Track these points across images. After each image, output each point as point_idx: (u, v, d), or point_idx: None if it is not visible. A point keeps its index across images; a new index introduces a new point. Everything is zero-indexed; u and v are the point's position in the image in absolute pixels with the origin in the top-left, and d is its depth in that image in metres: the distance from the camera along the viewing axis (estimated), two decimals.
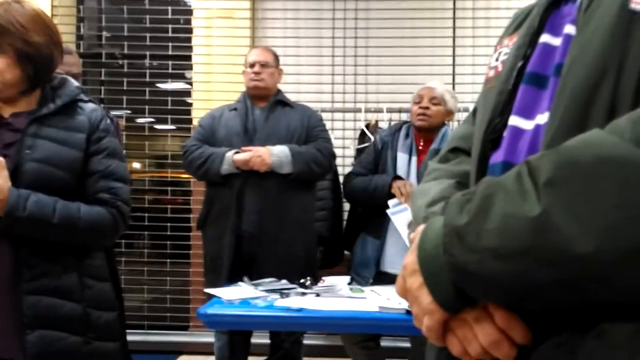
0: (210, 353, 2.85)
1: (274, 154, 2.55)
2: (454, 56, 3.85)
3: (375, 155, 2.78)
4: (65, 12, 4.03)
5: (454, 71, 3.83)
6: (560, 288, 0.53)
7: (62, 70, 2.32)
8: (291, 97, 3.06)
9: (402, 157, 2.67)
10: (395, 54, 3.76)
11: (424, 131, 2.68)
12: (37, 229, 1.38)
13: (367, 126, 3.45)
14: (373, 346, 2.76)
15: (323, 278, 2.43)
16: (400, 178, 2.60)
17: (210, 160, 2.57)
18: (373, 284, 2.52)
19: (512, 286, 0.55)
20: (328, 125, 3.68)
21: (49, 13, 3.87)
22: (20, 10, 1.46)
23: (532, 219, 0.52)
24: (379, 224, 2.63)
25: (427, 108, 2.64)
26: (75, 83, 1.59)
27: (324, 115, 3.59)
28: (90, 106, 1.56)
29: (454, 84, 3.82)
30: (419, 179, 2.57)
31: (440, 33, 3.82)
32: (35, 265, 1.39)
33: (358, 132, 3.53)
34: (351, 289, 2.23)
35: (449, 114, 2.73)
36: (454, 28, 3.90)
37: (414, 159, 2.66)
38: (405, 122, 2.89)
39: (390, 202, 2.53)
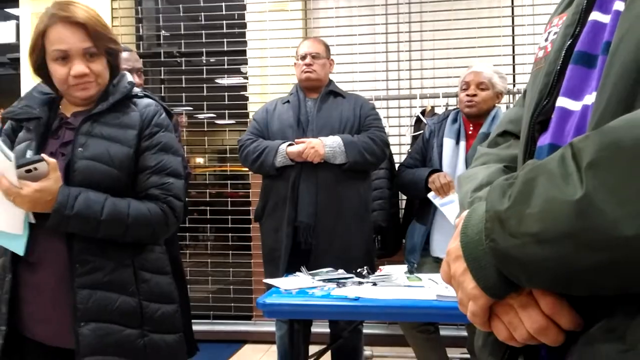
0: (274, 342, 2.90)
1: (327, 145, 2.56)
2: (513, 36, 3.72)
3: (423, 144, 2.78)
4: (125, 13, 4.17)
5: (513, 51, 3.70)
6: (604, 273, 0.52)
7: (129, 66, 2.42)
8: (345, 87, 3.05)
9: (448, 143, 2.65)
10: (451, 37, 3.67)
11: (474, 117, 2.64)
12: (85, 227, 1.41)
13: (423, 112, 3.40)
14: (432, 330, 2.73)
15: (380, 267, 2.43)
16: (438, 171, 2.60)
17: (265, 153, 2.60)
18: (418, 269, 2.52)
19: (554, 272, 0.54)
20: (383, 113, 3.66)
21: (109, 15, 4.02)
22: (96, 12, 1.52)
23: (574, 203, 0.51)
24: (426, 210, 2.66)
25: (474, 95, 2.59)
26: (129, 78, 1.61)
27: (379, 104, 3.56)
28: (144, 101, 1.58)
29: (514, 65, 3.70)
30: (468, 163, 2.54)
31: (498, 13, 3.70)
32: (88, 260, 1.43)
33: (414, 119, 3.48)
34: (408, 278, 2.21)
35: (499, 96, 2.66)
36: (513, 7, 3.77)
37: (462, 143, 2.63)
38: (455, 109, 2.85)
39: (430, 195, 2.56)
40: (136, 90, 1.60)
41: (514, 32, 3.74)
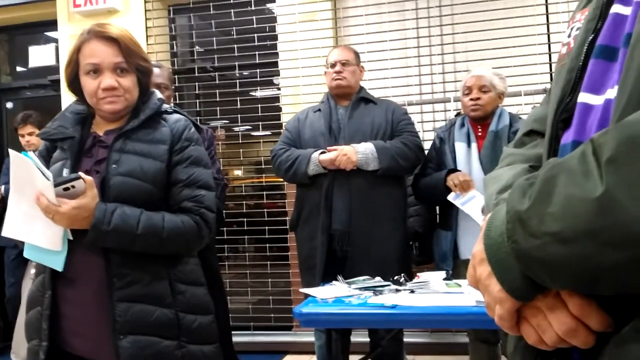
0: (314, 352, 2.88)
1: (360, 152, 2.54)
2: (548, 34, 3.64)
3: (435, 153, 2.77)
4: (159, 31, 4.26)
5: (549, 49, 3.61)
6: (627, 270, 0.50)
7: (156, 82, 2.45)
8: (378, 93, 3.02)
9: (460, 146, 2.66)
10: (484, 38, 3.61)
11: (479, 119, 2.67)
12: (123, 241, 1.44)
13: (458, 115, 3.34)
14: (492, 340, 2.67)
15: (418, 274, 2.38)
16: (454, 171, 2.57)
17: (298, 162, 2.60)
18: (454, 275, 2.46)
19: (577, 271, 0.53)
20: (417, 117, 3.62)
21: (143, 34, 4.11)
22: (130, 33, 1.57)
23: (595, 200, 0.50)
24: (448, 215, 2.64)
25: (478, 98, 2.63)
26: (158, 95, 1.64)
27: (413, 108, 3.53)
28: (174, 117, 1.61)
29: (550, 63, 3.61)
30: (482, 162, 2.57)
31: (532, 11, 3.62)
32: (125, 274, 1.45)
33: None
34: (447, 284, 2.16)
35: (501, 96, 2.71)
36: (547, 4, 3.68)
37: (474, 145, 2.64)
38: (458, 114, 2.87)
39: (450, 197, 2.52)
40: (165, 106, 1.63)
41: (549, 30, 3.66)
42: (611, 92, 0.63)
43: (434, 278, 2.24)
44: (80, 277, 1.46)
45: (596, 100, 0.66)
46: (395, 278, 2.23)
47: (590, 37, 0.69)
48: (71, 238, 1.45)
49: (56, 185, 1.39)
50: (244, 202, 4.17)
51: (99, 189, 1.46)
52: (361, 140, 2.59)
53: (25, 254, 1.49)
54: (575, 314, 0.58)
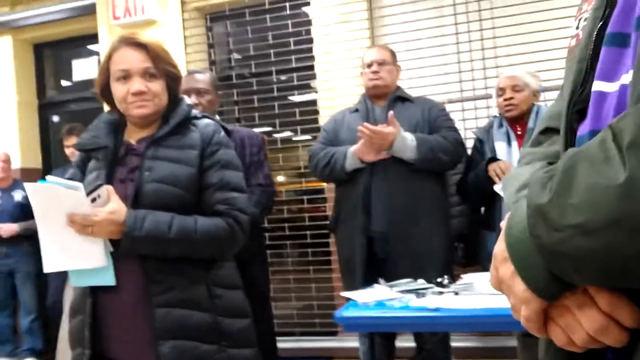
0: (359, 358, 2.82)
1: (398, 134, 2.44)
2: None
3: (477, 153, 2.70)
4: (197, 40, 4.30)
5: None
6: None
7: (189, 87, 2.46)
8: (417, 92, 2.96)
9: (500, 146, 2.60)
10: (525, 31, 3.49)
11: (516, 118, 2.62)
12: (156, 246, 1.44)
13: (496, 117, 3.24)
14: None
15: (461, 276, 2.30)
16: (494, 160, 2.51)
17: (335, 158, 2.55)
18: None
19: (604, 263, 0.50)
20: (459, 115, 3.53)
21: (182, 43, 4.16)
22: (159, 41, 1.59)
23: (618, 186, 0.48)
24: (491, 215, 2.55)
25: (511, 98, 2.60)
26: (187, 101, 1.65)
27: (454, 106, 3.44)
28: (203, 122, 1.61)
29: None
30: None
31: (573, 2, 3.49)
32: (162, 280, 1.45)
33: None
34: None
35: (536, 94, 2.65)
36: None
37: (514, 144, 2.58)
38: (495, 116, 2.81)
39: (496, 187, 2.43)
40: (195, 112, 1.64)
41: None
42: (626, 78, 0.60)
43: (478, 279, 2.16)
44: (119, 285, 1.46)
45: (611, 87, 0.63)
46: (439, 280, 2.16)
47: (599, 25, 0.66)
48: (112, 250, 1.45)
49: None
50: (285, 207, 4.15)
51: (133, 197, 1.46)
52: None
53: (74, 284, 1.50)
54: (605, 311, 0.55)
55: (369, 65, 2.68)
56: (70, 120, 4.66)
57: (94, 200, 1.40)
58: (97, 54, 4.76)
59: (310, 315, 4.01)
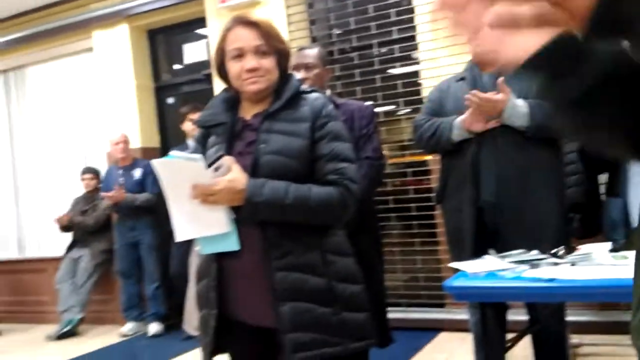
0: (469, 330, 2.80)
1: (509, 101, 2.33)
2: None
3: None
4: (298, 18, 4.37)
5: None
6: None
7: (298, 62, 2.51)
8: None
9: None
10: None
11: None
12: (275, 212, 1.52)
13: None
14: None
15: (578, 247, 2.21)
16: None
17: (440, 129, 2.50)
18: (627, 246, 2.22)
19: None
20: None
21: (284, 21, 4.24)
22: (269, 20, 1.67)
23: None
24: (614, 181, 2.41)
25: None
26: (297, 77, 1.71)
27: None
28: (312, 96, 1.67)
29: None
30: None
31: None
32: (281, 244, 1.53)
33: None
34: (613, 256, 1.98)
35: None
36: None
37: None
38: None
39: None
40: (304, 86, 1.70)
41: None
42: None
43: (597, 250, 2.07)
44: (241, 250, 1.56)
45: None
46: (554, 251, 2.09)
47: None
48: (234, 216, 1.54)
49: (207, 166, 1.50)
50: (389, 181, 4.16)
51: (251, 169, 1.54)
52: None
53: (201, 251, 1.62)
54: None
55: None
56: (183, 102, 4.92)
57: (216, 170, 1.50)
58: (205, 37, 4.98)
59: (416, 287, 4.03)
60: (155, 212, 4.60)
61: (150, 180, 4.68)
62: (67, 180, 5.47)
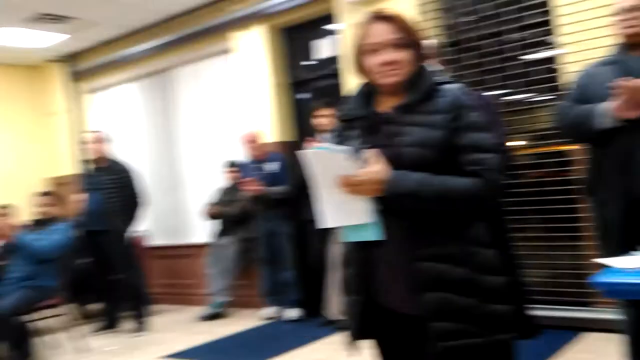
0: (618, 330, 2.64)
1: None
2: None
3: None
4: (430, 7, 4.33)
5: None
6: None
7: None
8: None
9: None
10: None
11: None
12: (416, 203, 1.54)
13: None
14: None
15: None
16: None
17: (586, 116, 2.37)
18: None
19: None
20: None
21: (414, 10, 4.23)
22: (404, 14, 1.69)
23: None
24: None
25: None
26: (432, 68, 1.71)
27: None
28: (450, 86, 1.66)
29: None
30: None
31: None
32: (423, 235, 1.56)
33: None
34: None
35: None
36: None
37: None
38: None
39: None
40: (440, 77, 1.69)
41: None
42: None
43: None
44: (384, 239, 1.60)
45: None
46: None
47: None
48: (378, 207, 1.60)
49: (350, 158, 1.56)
50: (523, 172, 4.00)
51: (392, 161, 1.58)
52: None
53: (347, 239, 1.70)
54: None
55: (628, 10, 2.42)
56: (316, 96, 5.08)
57: (359, 163, 1.56)
58: (333, 33, 5.09)
59: (555, 283, 3.85)
60: (290, 203, 4.81)
61: (285, 173, 4.91)
62: (213, 173, 5.87)
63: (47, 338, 4.71)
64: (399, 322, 1.66)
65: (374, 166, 1.56)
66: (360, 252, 1.67)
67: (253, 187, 4.88)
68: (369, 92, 1.75)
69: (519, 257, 2.62)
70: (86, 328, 5.19)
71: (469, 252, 1.57)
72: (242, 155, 5.32)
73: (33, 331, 4.50)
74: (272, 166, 5.03)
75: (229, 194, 5.46)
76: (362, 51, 1.68)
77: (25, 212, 5.47)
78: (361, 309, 1.67)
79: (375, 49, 1.64)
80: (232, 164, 5.48)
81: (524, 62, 4.04)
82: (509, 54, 3.97)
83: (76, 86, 7.00)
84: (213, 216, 5.47)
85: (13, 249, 4.43)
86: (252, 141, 5.09)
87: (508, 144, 2.57)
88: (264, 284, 5.15)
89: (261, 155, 5.10)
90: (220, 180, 5.61)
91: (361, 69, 1.72)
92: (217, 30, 5.64)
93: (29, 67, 7.15)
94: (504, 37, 4.03)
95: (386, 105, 1.70)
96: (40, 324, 4.70)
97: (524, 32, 3.93)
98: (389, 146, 1.62)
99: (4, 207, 5.03)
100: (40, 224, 4.67)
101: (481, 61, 4.11)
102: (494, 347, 1.57)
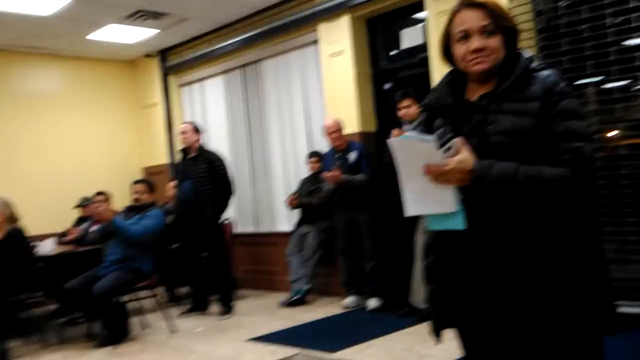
0: None
1: None
2: None
3: None
4: None
5: None
6: None
7: None
8: None
9: None
10: None
11: None
12: (505, 192, 1.50)
13: None
14: None
15: None
16: None
17: None
18: None
19: None
20: None
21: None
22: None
23: None
24: None
25: None
26: (526, 54, 1.65)
27: None
28: (544, 73, 1.59)
29: None
30: None
31: None
32: (511, 226, 1.52)
33: None
34: None
35: None
36: None
37: None
38: None
39: None
40: (535, 63, 1.63)
41: None
42: None
43: None
44: (468, 229, 1.56)
45: None
46: None
47: None
48: (463, 196, 1.57)
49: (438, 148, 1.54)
50: (626, 163, 3.77)
51: (479, 150, 1.54)
52: None
53: (429, 227, 1.68)
54: None
55: None
56: (400, 86, 5.03)
57: (446, 151, 1.54)
58: (422, 21, 5.01)
59: None
60: (371, 193, 4.81)
61: (364, 162, 4.91)
62: (298, 164, 5.97)
63: (140, 318, 4.99)
64: (483, 312, 1.62)
65: (461, 155, 1.53)
66: (444, 241, 1.65)
67: (335, 178, 4.92)
68: (458, 80, 1.72)
69: (607, 251, 2.50)
70: (175, 310, 5.44)
71: (560, 244, 1.51)
72: (325, 145, 5.37)
73: (127, 311, 4.79)
74: (354, 156, 5.05)
75: (311, 183, 5.54)
76: (452, 38, 1.65)
77: (122, 198, 5.82)
78: (445, 298, 1.66)
79: (465, 36, 1.61)
80: (315, 154, 5.55)
81: (626, 47, 3.80)
82: (607, 40, 3.75)
83: (170, 79, 7.33)
84: (295, 206, 5.56)
85: (110, 233, 4.71)
86: (334, 131, 5.12)
87: (607, 134, 2.41)
88: (343, 273, 5.19)
89: (343, 145, 5.12)
90: (304, 170, 5.70)
91: (451, 56, 1.70)
92: (304, 22, 5.71)
93: (127, 62, 7.56)
94: (603, 22, 3.81)
95: (476, 93, 1.67)
96: (134, 304, 4.99)
97: (628, 16, 3.69)
98: (477, 135, 1.59)
99: (102, 193, 5.37)
100: (135, 210, 4.93)
101: (577, 47, 3.91)
102: (583, 342, 1.51)
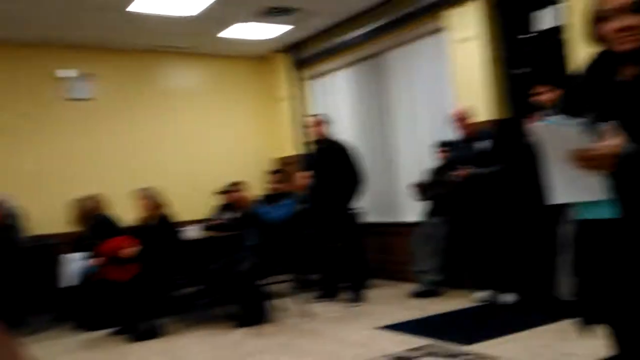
0: None
1: None
2: None
3: None
4: None
5: None
6: None
7: None
8: None
9: None
10: None
11: None
12: None
13: None
14: None
15: None
16: None
17: None
18: None
19: None
20: None
21: None
22: None
23: None
24: None
25: None
26: None
27: None
28: None
29: None
30: None
31: None
32: None
33: None
34: None
35: None
36: None
37: None
38: None
39: None
40: None
41: None
42: None
43: None
44: (618, 218, 1.51)
45: None
46: None
47: None
48: (614, 183, 1.51)
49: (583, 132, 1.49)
50: None
51: (629, 134, 1.47)
52: None
53: (580, 216, 1.64)
54: None
55: None
56: (536, 71, 4.82)
57: (593, 136, 1.48)
58: (556, 2, 4.76)
59: None
60: (502, 183, 4.67)
61: (495, 152, 4.76)
62: (426, 153, 5.93)
63: (275, 302, 5.25)
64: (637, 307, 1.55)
65: (611, 139, 1.47)
66: (595, 230, 1.59)
67: (462, 174, 4.84)
68: (605, 61, 1.65)
69: None
70: (308, 295, 5.65)
71: None
72: (453, 134, 5.29)
73: (264, 294, 5.06)
74: (483, 145, 4.91)
75: (440, 174, 5.47)
76: (597, 17, 1.60)
77: (257, 187, 6.13)
78: (596, 292, 1.61)
79: (611, 14, 1.55)
80: (443, 144, 5.48)
81: None
82: None
83: (298, 73, 7.57)
84: (423, 196, 5.53)
85: (249, 220, 5.01)
86: (461, 119, 5.02)
87: None
88: (476, 267, 5.08)
89: (471, 134, 5.01)
90: (432, 160, 5.65)
91: (596, 36, 1.63)
92: (430, 9, 5.65)
93: (257, 58, 7.91)
94: None
95: (625, 73, 1.60)
96: (270, 288, 5.26)
97: None
98: (628, 117, 1.52)
99: (240, 183, 5.71)
100: (270, 198, 5.19)
101: None
102: None
